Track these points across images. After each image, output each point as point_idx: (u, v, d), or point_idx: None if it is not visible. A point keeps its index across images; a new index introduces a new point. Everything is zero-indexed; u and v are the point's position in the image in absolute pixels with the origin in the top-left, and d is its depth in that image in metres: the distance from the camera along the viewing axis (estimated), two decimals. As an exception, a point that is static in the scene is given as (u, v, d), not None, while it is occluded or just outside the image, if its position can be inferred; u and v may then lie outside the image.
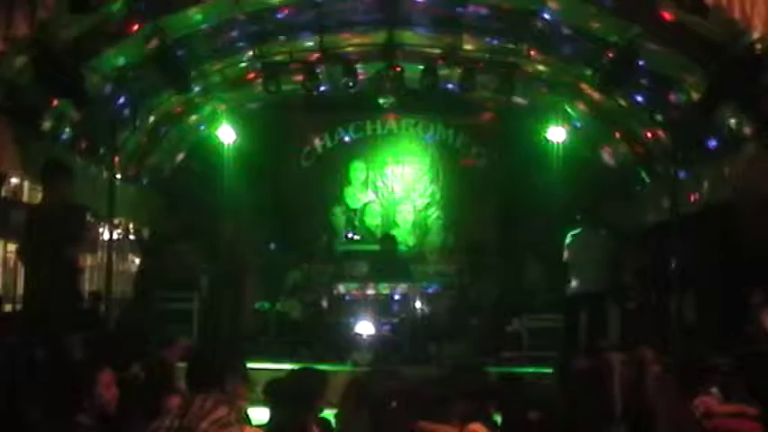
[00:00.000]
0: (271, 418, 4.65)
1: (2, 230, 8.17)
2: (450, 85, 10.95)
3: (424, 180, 12.88)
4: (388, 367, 7.82)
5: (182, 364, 7.13)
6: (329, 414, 4.77)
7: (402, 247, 12.02)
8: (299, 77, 10.45)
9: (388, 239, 11.37)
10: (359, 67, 10.45)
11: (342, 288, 10.21)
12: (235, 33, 9.30)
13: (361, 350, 9.54)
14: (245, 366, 4.41)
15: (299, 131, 12.91)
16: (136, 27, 8.00)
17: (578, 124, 11.20)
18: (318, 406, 4.74)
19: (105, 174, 9.51)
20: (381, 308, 10.11)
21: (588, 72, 9.53)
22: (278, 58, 10.17)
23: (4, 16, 6.27)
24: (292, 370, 5.21)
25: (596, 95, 9.98)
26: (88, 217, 9.61)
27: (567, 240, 9.77)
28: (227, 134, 11.11)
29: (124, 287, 10.56)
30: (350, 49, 10.30)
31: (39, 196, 7.16)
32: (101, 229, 10.21)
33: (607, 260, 9.86)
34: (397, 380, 4.64)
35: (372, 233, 12.51)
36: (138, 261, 11.38)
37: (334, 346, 9.75)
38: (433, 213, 12.84)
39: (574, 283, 9.68)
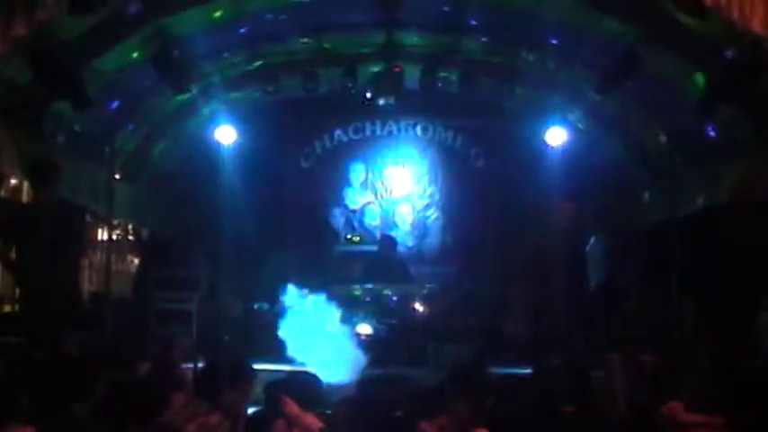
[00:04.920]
0: (264, 417, 4.68)
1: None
2: (449, 86, 10.96)
3: (423, 181, 12.88)
4: (388, 372, 7.86)
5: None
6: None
7: (401, 248, 12.02)
8: (299, 78, 10.47)
9: (387, 240, 11.38)
10: (358, 68, 10.46)
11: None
12: (234, 34, 9.31)
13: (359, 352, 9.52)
14: (251, 371, 4.46)
15: (299, 132, 12.90)
16: (136, 27, 8.00)
17: (578, 126, 11.21)
18: (313, 409, 4.76)
19: (105, 174, 9.52)
20: (380, 309, 10.10)
21: (588, 74, 9.54)
22: (277, 58, 10.18)
23: (4, 16, 6.28)
24: (291, 372, 5.24)
25: (596, 97, 9.99)
26: (88, 217, 9.68)
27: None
28: (226, 135, 11.11)
29: (124, 287, 10.57)
30: (349, 49, 10.31)
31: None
32: (100, 230, 10.23)
33: (608, 260, 9.89)
34: (398, 385, 4.64)
35: (371, 234, 12.51)
36: (137, 261, 11.38)
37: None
38: (433, 214, 12.83)
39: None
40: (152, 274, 10.53)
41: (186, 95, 9.81)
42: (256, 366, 5.20)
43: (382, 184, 12.90)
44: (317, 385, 4.96)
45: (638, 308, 10.33)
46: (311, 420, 4.49)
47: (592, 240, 10.15)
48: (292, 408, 4.46)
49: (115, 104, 9.24)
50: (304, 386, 4.86)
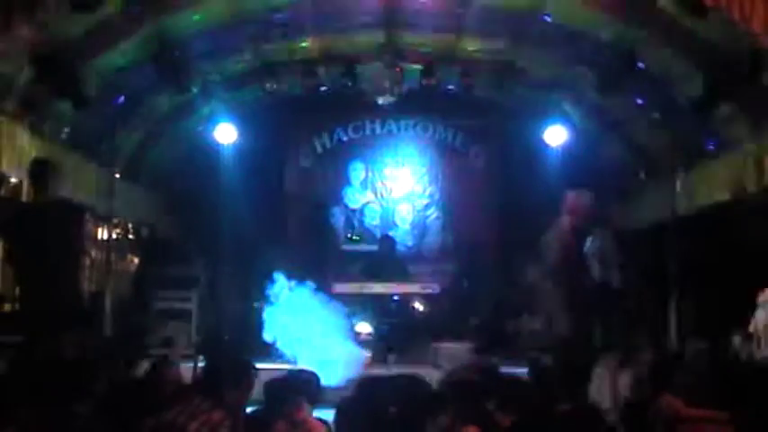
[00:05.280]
0: (265, 416, 4.69)
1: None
2: (449, 86, 10.96)
3: (423, 180, 12.89)
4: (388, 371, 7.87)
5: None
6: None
7: (401, 248, 12.03)
8: (299, 77, 10.47)
9: (387, 240, 11.39)
10: (358, 68, 10.46)
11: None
12: (234, 33, 9.30)
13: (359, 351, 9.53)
14: (253, 369, 4.45)
15: (298, 131, 12.90)
16: (136, 27, 8.00)
17: (577, 125, 11.21)
18: (311, 406, 4.77)
19: (105, 174, 9.53)
20: (380, 308, 10.11)
21: (587, 73, 9.54)
22: (277, 57, 10.18)
23: (4, 16, 6.27)
24: (288, 370, 5.25)
25: (595, 96, 9.99)
26: (88, 217, 9.68)
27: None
28: (226, 134, 11.12)
29: (124, 287, 10.56)
30: (349, 49, 10.31)
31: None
32: (100, 229, 10.23)
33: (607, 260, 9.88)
34: (398, 385, 4.65)
35: (371, 233, 12.52)
36: (137, 261, 11.38)
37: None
38: (433, 214, 12.84)
39: None
40: (152, 274, 10.53)
41: (186, 95, 9.81)
42: (256, 365, 5.22)
43: (382, 183, 12.90)
44: (315, 383, 4.97)
45: (638, 308, 10.32)
46: (317, 425, 4.49)
47: (590, 239, 10.14)
48: (302, 412, 4.46)
49: (115, 104, 9.24)
50: (303, 384, 4.87)
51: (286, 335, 8.92)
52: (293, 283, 9.05)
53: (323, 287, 9.52)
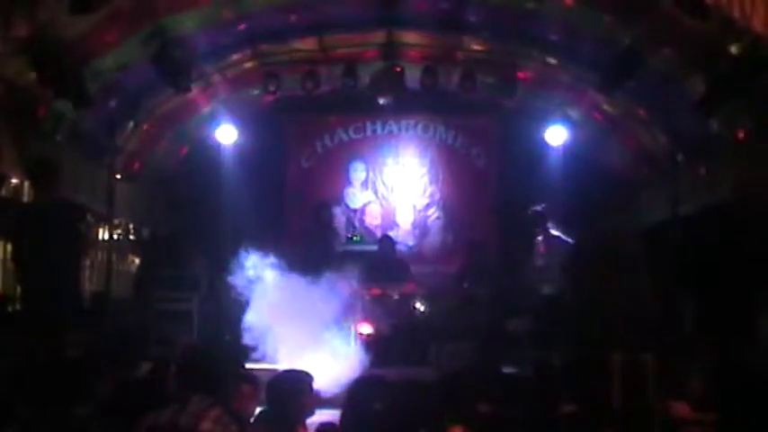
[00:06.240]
0: (265, 416, 4.70)
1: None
2: (449, 86, 10.96)
3: (423, 180, 12.89)
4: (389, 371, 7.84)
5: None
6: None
7: (402, 248, 12.02)
8: (299, 77, 10.47)
9: (387, 240, 11.37)
10: (358, 68, 10.46)
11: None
12: (235, 33, 9.31)
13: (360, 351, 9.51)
14: (243, 368, 4.44)
15: (299, 132, 12.91)
16: (136, 27, 8.00)
17: (578, 125, 11.20)
18: (306, 405, 4.77)
19: (105, 174, 9.52)
20: (380, 309, 10.09)
21: (587, 73, 9.54)
22: (278, 57, 10.18)
23: (4, 16, 6.27)
24: (284, 371, 5.25)
25: (596, 96, 9.98)
26: (88, 217, 9.68)
27: None
28: (226, 134, 11.11)
29: (124, 287, 10.56)
30: (350, 49, 10.31)
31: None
32: (100, 229, 10.23)
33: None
34: (399, 385, 4.65)
35: (372, 233, 12.51)
36: (137, 261, 11.38)
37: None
38: (433, 214, 12.84)
39: None
40: (153, 274, 10.52)
41: (186, 95, 9.81)
42: (259, 367, 5.22)
43: (383, 183, 12.90)
44: (310, 384, 4.96)
45: (638, 308, 10.31)
46: None
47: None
48: None
49: (115, 104, 9.24)
50: (297, 385, 4.87)
51: (289, 336, 8.88)
52: (262, 259, 8.83)
53: (324, 287, 9.49)
